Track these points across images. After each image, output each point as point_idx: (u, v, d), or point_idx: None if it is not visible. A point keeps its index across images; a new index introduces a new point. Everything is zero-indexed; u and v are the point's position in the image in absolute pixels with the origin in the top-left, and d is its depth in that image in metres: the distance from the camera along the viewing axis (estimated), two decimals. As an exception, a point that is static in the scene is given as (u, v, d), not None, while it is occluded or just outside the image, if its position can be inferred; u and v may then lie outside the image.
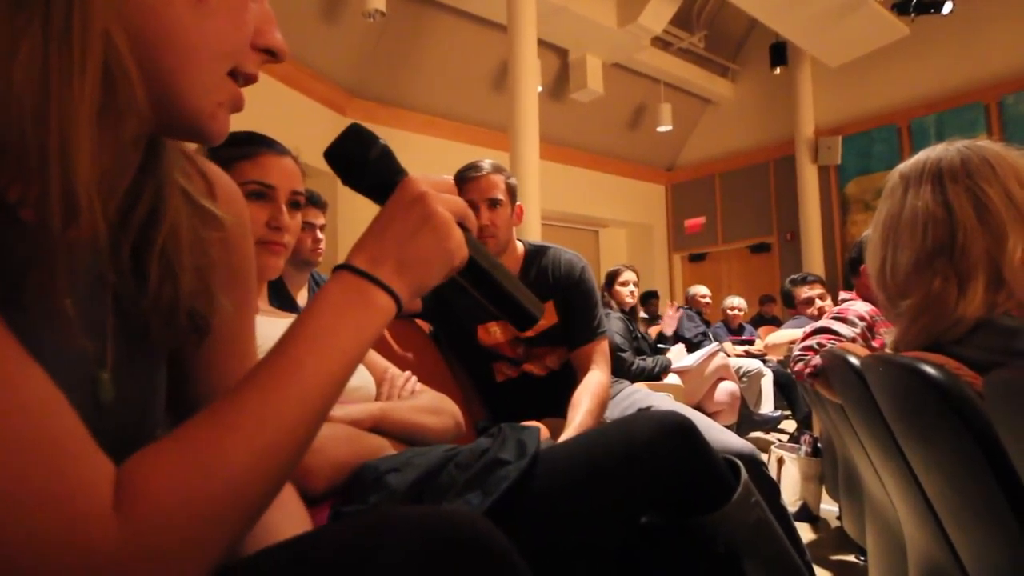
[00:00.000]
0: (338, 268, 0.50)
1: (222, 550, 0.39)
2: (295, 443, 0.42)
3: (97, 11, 0.37)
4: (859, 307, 1.85)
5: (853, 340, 1.73)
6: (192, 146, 0.54)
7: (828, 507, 2.36)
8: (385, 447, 0.91)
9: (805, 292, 3.69)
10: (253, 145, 0.96)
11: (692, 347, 4.14)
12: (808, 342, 1.73)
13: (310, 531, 0.44)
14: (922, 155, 0.98)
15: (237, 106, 0.48)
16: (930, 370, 0.72)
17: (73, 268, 0.39)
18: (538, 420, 1.45)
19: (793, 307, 3.80)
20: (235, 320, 0.59)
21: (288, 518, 0.63)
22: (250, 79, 0.48)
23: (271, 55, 0.49)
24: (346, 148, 0.55)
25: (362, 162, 0.55)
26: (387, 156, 0.56)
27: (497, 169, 1.59)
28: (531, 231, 4.68)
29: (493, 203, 1.55)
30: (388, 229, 0.51)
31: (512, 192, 1.61)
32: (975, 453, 0.67)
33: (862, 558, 2.01)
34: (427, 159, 5.64)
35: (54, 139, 0.35)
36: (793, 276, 3.92)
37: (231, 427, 0.40)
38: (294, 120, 4.73)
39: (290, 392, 0.42)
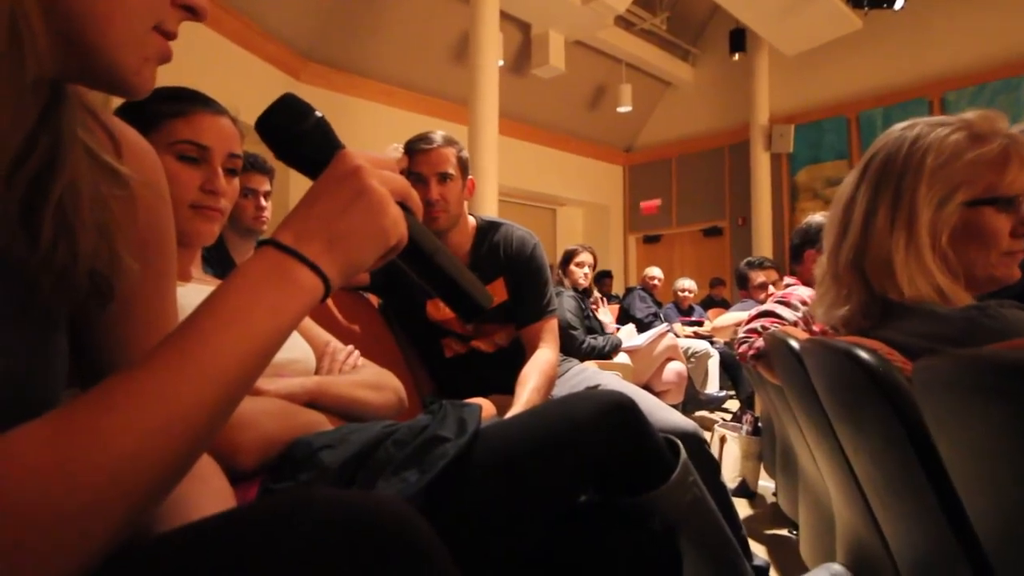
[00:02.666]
0: (261, 243, 0.47)
1: (104, 539, 0.35)
2: (192, 427, 0.39)
3: None
4: (801, 292, 1.90)
5: (795, 324, 1.77)
6: (98, 100, 0.49)
7: (765, 484, 2.45)
8: (322, 423, 0.88)
9: (760, 277, 3.75)
10: (186, 102, 0.91)
11: (643, 327, 4.21)
12: (752, 324, 1.76)
13: (218, 513, 0.41)
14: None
15: (165, 58, 0.45)
16: (864, 355, 0.73)
17: None
18: (486, 397, 1.44)
19: (746, 289, 3.86)
20: (148, 286, 0.55)
21: (211, 495, 0.60)
22: (170, 36, 0.45)
23: (192, 12, 0.46)
24: (278, 119, 0.52)
25: (295, 134, 0.52)
26: (322, 129, 0.53)
27: (449, 142, 1.56)
28: (488, 207, 4.65)
29: (443, 177, 1.52)
30: (317, 204, 0.48)
31: (464, 166, 1.58)
32: (901, 436, 0.69)
33: (794, 532, 2.08)
34: (383, 130, 5.53)
35: None
36: (750, 259, 3.96)
37: (114, 408, 0.36)
38: (243, 80, 4.54)
39: (189, 372, 0.39)
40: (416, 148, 1.54)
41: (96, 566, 0.36)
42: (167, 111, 0.89)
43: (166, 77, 0.92)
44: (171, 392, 0.38)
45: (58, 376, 0.47)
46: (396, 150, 1.63)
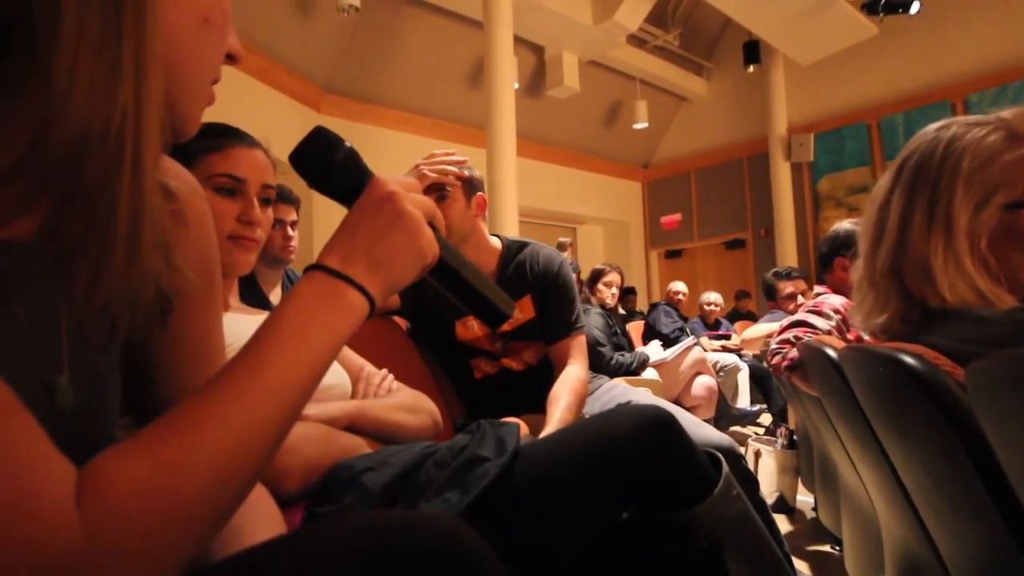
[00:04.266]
0: (309, 268, 0.50)
1: (189, 550, 0.38)
2: (265, 441, 0.41)
3: (159, 45, 0.41)
4: (833, 300, 1.87)
5: (829, 333, 1.74)
6: None
7: (804, 498, 2.39)
8: (361, 446, 0.89)
9: (788, 287, 3.67)
10: (222, 137, 0.93)
11: (669, 343, 4.16)
12: (785, 335, 1.74)
13: (278, 538, 0.43)
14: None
15: (212, 102, 0.51)
16: (910, 360, 0.72)
17: (29, 273, 0.38)
18: (517, 416, 1.44)
19: (774, 299, 3.79)
20: (199, 312, 0.57)
21: (259, 520, 0.61)
22: (217, 81, 0.51)
23: (230, 59, 0.51)
24: (311, 151, 0.55)
25: (327, 165, 0.55)
26: (353, 158, 0.56)
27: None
28: (509, 228, 4.67)
29: (441, 195, 1.52)
30: (359, 228, 0.51)
31: (467, 182, 1.57)
32: (956, 444, 0.67)
33: (838, 548, 2.03)
34: (403, 156, 5.57)
35: (128, 161, 0.38)
36: (777, 269, 3.90)
37: (198, 425, 0.39)
38: (267, 116, 4.65)
39: (260, 390, 0.42)
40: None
41: None
42: (204, 147, 0.92)
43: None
44: (247, 409, 0.41)
45: (116, 408, 0.50)
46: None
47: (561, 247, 7.08)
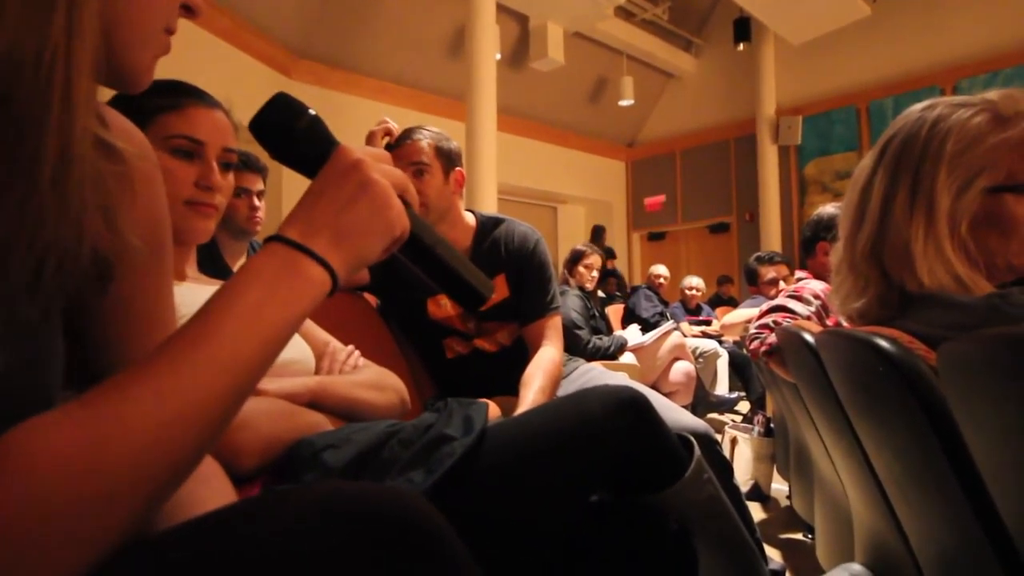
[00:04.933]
0: (268, 239, 0.47)
1: (118, 530, 0.36)
2: (207, 417, 0.39)
3: None
4: (814, 285, 1.86)
5: (808, 319, 1.74)
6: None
7: (779, 486, 2.42)
8: (323, 423, 0.86)
9: (771, 272, 3.63)
10: (179, 95, 0.88)
11: (649, 328, 4.17)
12: (764, 320, 1.73)
13: (233, 503, 0.41)
14: None
15: (165, 53, 0.49)
16: (883, 343, 0.70)
17: None
18: (489, 398, 1.42)
19: (756, 285, 3.77)
20: (145, 279, 0.54)
21: (212, 495, 0.59)
22: (171, 33, 0.48)
23: (188, 11, 0.49)
24: (272, 118, 0.53)
25: (289, 133, 0.53)
26: (317, 125, 0.53)
27: (429, 135, 1.52)
28: (487, 205, 4.61)
29: (419, 171, 1.48)
30: (322, 198, 0.48)
31: (446, 156, 1.53)
32: (926, 428, 0.66)
33: (810, 536, 2.05)
34: (379, 127, 5.47)
35: (56, 94, 0.37)
36: (759, 254, 3.87)
37: (133, 398, 0.37)
38: (233, 79, 4.48)
39: (204, 363, 0.40)
40: (392, 146, 1.52)
41: (106, 559, 0.36)
42: (160, 105, 0.87)
43: (157, 76, 0.89)
44: (186, 382, 0.39)
45: (58, 374, 0.47)
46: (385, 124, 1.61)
47: (597, 233, 7.01)
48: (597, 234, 7.12)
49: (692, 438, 0.89)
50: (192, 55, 3.88)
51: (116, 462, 0.35)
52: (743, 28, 7.37)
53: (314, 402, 0.88)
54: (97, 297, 0.50)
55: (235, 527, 0.38)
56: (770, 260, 3.71)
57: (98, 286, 0.48)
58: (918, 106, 0.93)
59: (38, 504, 0.32)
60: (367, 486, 0.40)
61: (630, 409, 0.80)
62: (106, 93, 0.51)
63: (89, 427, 0.35)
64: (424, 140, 1.51)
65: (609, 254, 5.91)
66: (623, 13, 7.31)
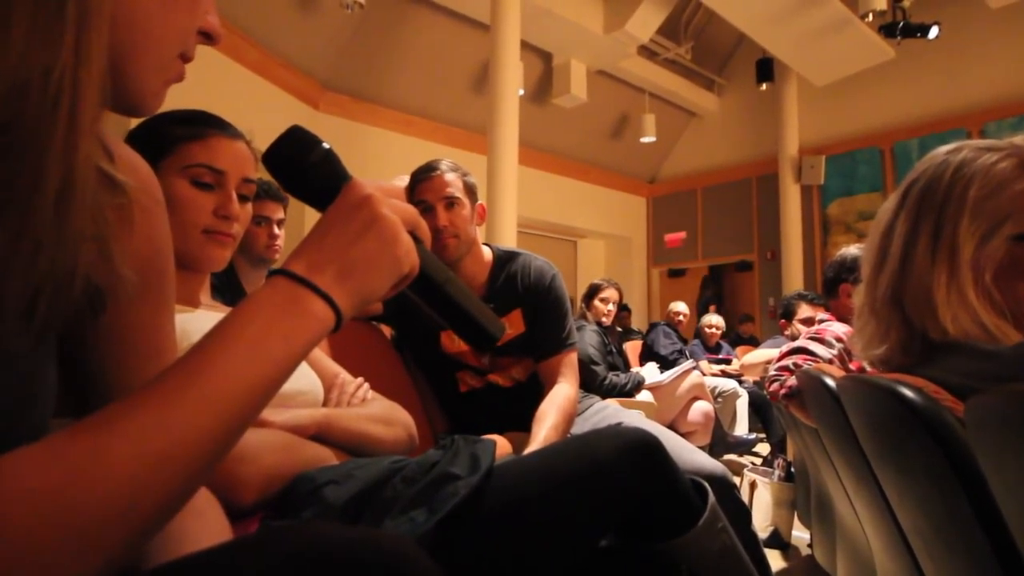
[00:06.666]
0: (272, 272, 0.47)
1: (95, 569, 0.34)
2: (196, 456, 0.38)
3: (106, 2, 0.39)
4: (836, 328, 1.82)
5: (830, 362, 1.69)
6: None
7: (800, 534, 2.33)
8: (327, 458, 0.84)
9: (808, 311, 3.51)
10: (203, 125, 0.89)
11: (668, 365, 4.10)
12: (784, 362, 1.69)
13: (212, 547, 0.40)
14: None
15: (179, 80, 0.48)
16: (909, 393, 0.68)
17: None
18: (501, 434, 1.39)
19: (789, 320, 3.65)
20: (144, 310, 0.54)
21: (206, 530, 0.58)
22: (188, 60, 0.48)
23: (207, 38, 0.48)
24: (285, 151, 0.52)
25: (301, 166, 0.52)
26: (329, 159, 0.53)
27: (452, 167, 1.53)
28: (507, 238, 4.61)
29: (450, 203, 1.49)
30: (330, 233, 0.48)
31: (471, 191, 1.54)
32: (953, 482, 0.63)
33: (831, 585, 1.97)
34: (401, 159, 5.53)
35: (63, 117, 0.36)
36: (803, 292, 3.72)
37: (116, 432, 0.36)
38: (261, 111, 4.54)
39: (195, 399, 0.39)
40: (419, 177, 1.52)
41: None
42: (182, 134, 0.88)
43: (189, 106, 0.91)
44: (175, 418, 0.38)
45: (46, 406, 0.46)
46: (403, 180, 1.62)
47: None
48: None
49: (707, 484, 0.86)
50: (223, 87, 4.00)
51: (91, 498, 0.34)
52: (766, 68, 7.38)
53: (320, 435, 0.86)
54: (90, 326, 0.50)
55: (211, 572, 0.37)
56: (812, 300, 3.57)
57: (90, 315, 0.48)
58: (943, 148, 0.91)
59: (7, 537, 0.31)
60: (353, 532, 0.39)
61: (642, 452, 0.78)
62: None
63: (66, 462, 0.34)
64: (453, 173, 1.52)
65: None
66: (646, 52, 7.39)
